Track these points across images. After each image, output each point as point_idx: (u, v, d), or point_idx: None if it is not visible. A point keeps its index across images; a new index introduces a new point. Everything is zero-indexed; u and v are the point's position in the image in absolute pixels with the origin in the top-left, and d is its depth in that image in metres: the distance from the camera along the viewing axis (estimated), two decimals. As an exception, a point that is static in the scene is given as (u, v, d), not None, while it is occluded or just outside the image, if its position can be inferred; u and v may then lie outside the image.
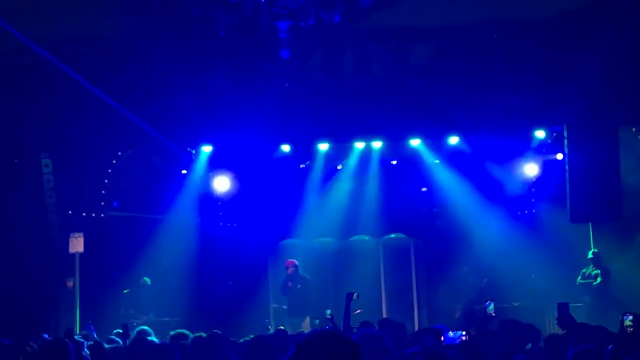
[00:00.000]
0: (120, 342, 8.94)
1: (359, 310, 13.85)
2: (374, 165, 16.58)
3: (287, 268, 15.62)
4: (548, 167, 15.66)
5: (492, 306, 8.36)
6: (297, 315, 15.16)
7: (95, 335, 10.64)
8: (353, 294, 9.51)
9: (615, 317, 10.59)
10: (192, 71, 11.76)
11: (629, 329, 7.51)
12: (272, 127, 14.65)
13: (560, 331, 7.83)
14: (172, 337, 9.38)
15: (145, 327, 10.04)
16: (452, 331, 7.11)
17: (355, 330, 8.40)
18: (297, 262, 15.70)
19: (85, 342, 8.70)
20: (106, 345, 8.87)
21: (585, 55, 11.59)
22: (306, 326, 14.66)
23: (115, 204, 15.60)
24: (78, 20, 10.41)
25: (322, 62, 11.19)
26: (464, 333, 6.87)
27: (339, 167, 17.05)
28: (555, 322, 7.74)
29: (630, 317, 7.74)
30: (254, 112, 14.28)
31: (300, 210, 17.05)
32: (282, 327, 13.25)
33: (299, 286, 15.44)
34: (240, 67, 11.61)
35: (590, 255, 15.40)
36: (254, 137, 14.89)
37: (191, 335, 9.23)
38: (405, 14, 10.34)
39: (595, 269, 15.20)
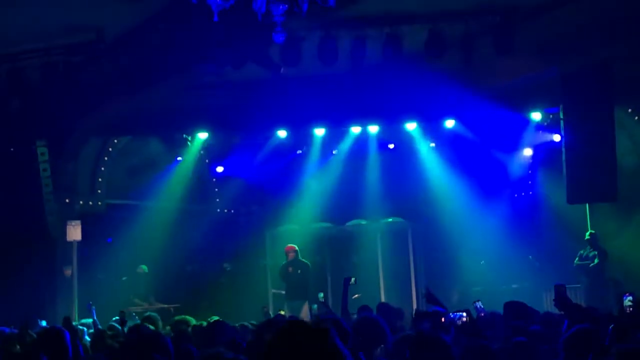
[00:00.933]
0: (120, 328, 8.95)
1: (357, 295, 13.89)
2: (371, 150, 16.57)
3: (287, 253, 15.60)
4: (545, 149, 15.67)
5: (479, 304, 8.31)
6: (295, 300, 15.17)
7: (95, 316, 10.67)
8: (350, 278, 9.53)
9: (612, 298, 10.65)
10: (186, 56, 11.70)
11: (628, 309, 7.55)
12: (268, 112, 14.61)
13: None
14: (175, 322, 9.41)
15: (153, 314, 10.08)
16: (452, 313, 7.12)
17: (354, 316, 8.42)
18: (297, 248, 15.69)
19: (85, 330, 8.72)
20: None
21: (578, 36, 11.56)
22: (305, 311, 14.68)
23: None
24: (71, 9, 10.37)
25: (317, 45, 11.13)
26: (464, 314, 6.89)
27: (334, 152, 17.03)
28: (553, 303, 7.78)
29: (630, 298, 7.78)
30: (250, 98, 14.26)
31: (297, 196, 17.06)
32: (282, 312, 13.30)
33: (299, 271, 15.42)
34: (235, 52, 11.55)
35: (587, 236, 15.42)
36: (250, 122, 14.85)
37: (193, 322, 9.25)
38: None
39: (592, 250, 15.21)
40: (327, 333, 2.95)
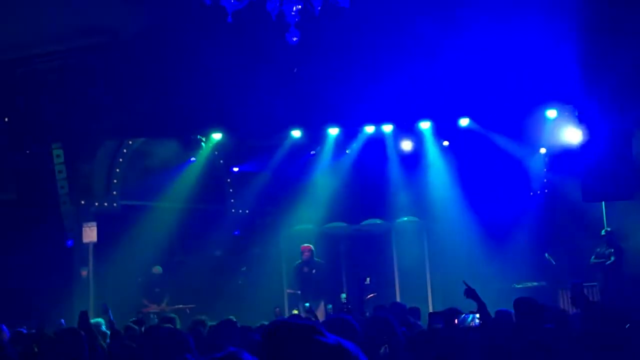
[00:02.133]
0: (137, 328, 8.99)
1: (372, 295, 13.87)
2: (386, 149, 16.56)
3: (302, 253, 15.59)
4: (561, 146, 15.59)
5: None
6: (310, 300, 15.17)
7: (111, 316, 10.72)
8: (365, 278, 9.53)
9: (629, 296, 10.59)
10: (200, 58, 11.73)
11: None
12: (282, 112, 14.62)
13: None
14: (193, 323, 9.44)
15: (171, 315, 10.11)
16: (466, 314, 7.11)
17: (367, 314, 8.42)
18: (312, 247, 15.68)
19: (108, 332, 8.75)
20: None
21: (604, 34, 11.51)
22: (321, 311, 14.67)
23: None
24: (87, 11, 10.42)
25: (331, 45, 11.15)
26: (478, 315, 6.87)
27: (347, 151, 17.02)
28: (569, 301, 7.75)
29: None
30: (264, 98, 14.27)
31: (311, 195, 17.06)
32: (295, 312, 13.31)
33: (313, 271, 15.40)
34: (248, 52, 11.58)
35: (603, 233, 15.35)
36: (264, 123, 14.86)
37: (209, 323, 9.27)
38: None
39: (609, 248, 15.15)
40: (313, 330, 2.92)
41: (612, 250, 14.94)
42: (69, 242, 14.71)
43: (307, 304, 11.30)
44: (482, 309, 7.12)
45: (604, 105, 12.52)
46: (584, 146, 12.75)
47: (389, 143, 16.52)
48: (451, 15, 11.20)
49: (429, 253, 16.62)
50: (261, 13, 9.17)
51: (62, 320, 10.94)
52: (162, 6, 10.40)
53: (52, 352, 5.76)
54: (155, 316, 13.83)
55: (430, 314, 7.24)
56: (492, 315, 7.04)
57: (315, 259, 15.59)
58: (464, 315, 7.66)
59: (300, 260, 15.55)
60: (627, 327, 6.28)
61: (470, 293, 7.63)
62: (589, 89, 12.64)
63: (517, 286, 14.91)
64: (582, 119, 12.82)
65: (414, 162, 16.76)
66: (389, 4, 11.23)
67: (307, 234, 17.02)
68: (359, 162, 16.85)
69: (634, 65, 12.21)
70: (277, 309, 13.97)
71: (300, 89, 13.78)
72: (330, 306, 12.40)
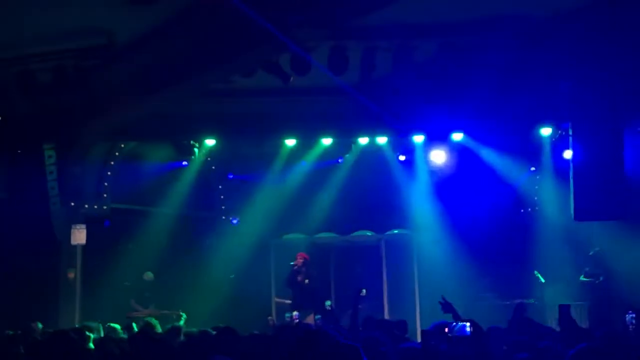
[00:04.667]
0: (125, 336, 8.94)
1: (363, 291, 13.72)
2: (379, 161, 16.56)
3: (296, 259, 15.55)
4: (553, 164, 15.63)
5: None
6: (300, 310, 15.07)
7: (102, 333, 10.65)
8: (360, 290, 9.48)
9: (617, 316, 10.61)
10: (196, 63, 11.70)
11: (631, 326, 7.52)
12: (273, 121, 14.65)
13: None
14: (169, 330, 9.39)
15: (152, 320, 10.05)
16: (455, 323, 7.08)
17: (360, 328, 8.36)
18: (308, 257, 15.63)
19: (91, 336, 8.70)
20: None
21: (592, 52, 11.54)
22: (310, 321, 14.59)
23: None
24: (83, 13, 10.38)
25: (327, 56, 11.14)
26: (468, 324, 6.84)
27: (340, 161, 17.03)
28: (556, 321, 7.75)
29: (633, 315, 7.75)
30: (259, 106, 14.27)
31: (302, 205, 17.05)
32: (288, 317, 13.29)
33: (306, 281, 15.34)
34: (245, 60, 11.55)
35: (591, 253, 15.40)
36: (258, 131, 14.88)
37: (183, 329, 9.23)
38: (410, 10, 10.31)
39: (598, 267, 15.18)
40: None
41: (602, 269, 14.97)
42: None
43: (329, 302, 11.34)
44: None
45: (597, 124, 12.58)
46: (576, 165, 12.79)
47: (382, 155, 16.52)
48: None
49: (418, 266, 16.61)
50: (259, 22, 9.19)
51: (39, 324, 10.88)
52: (159, 11, 10.36)
53: (40, 354, 5.71)
54: (140, 322, 13.76)
55: (422, 332, 7.20)
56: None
57: (311, 270, 15.54)
58: (452, 323, 7.62)
59: (294, 265, 15.48)
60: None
61: (447, 308, 7.63)
62: (582, 107, 12.70)
63: (506, 302, 14.90)
64: (575, 138, 12.87)
65: (406, 174, 16.77)
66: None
67: (297, 243, 17.00)
68: (352, 173, 16.85)
69: (626, 83, 12.29)
70: (271, 320, 13.91)
71: (296, 97, 13.83)
72: (319, 317, 12.36)
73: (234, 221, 17.51)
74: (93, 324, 10.58)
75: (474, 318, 8.01)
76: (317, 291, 15.30)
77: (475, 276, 16.22)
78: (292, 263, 15.41)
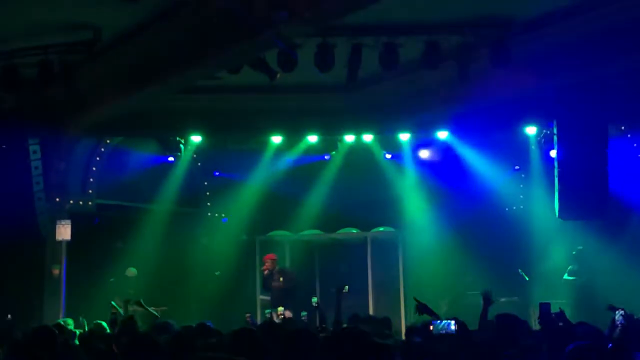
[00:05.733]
0: (108, 330, 8.92)
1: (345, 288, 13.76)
2: (364, 158, 16.58)
3: (264, 263, 15.56)
4: (537, 163, 15.69)
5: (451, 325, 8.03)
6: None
7: (86, 327, 10.63)
8: (343, 287, 9.49)
9: (600, 314, 10.66)
10: (182, 59, 11.67)
11: (619, 325, 7.54)
12: (259, 117, 14.66)
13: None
14: (155, 326, 9.34)
15: (135, 315, 10.03)
16: (440, 321, 7.11)
17: (344, 325, 8.38)
18: (275, 257, 15.61)
19: (75, 333, 8.68)
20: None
21: (574, 51, 11.59)
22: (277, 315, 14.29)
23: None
24: (69, 7, 10.34)
25: (314, 52, 11.14)
26: (452, 322, 6.87)
27: (326, 158, 17.03)
28: (538, 320, 7.80)
29: (621, 312, 7.77)
30: (245, 102, 14.27)
31: (288, 202, 17.04)
32: (267, 315, 13.27)
33: (281, 279, 15.32)
34: (231, 56, 11.53)
35: (574, 252, 15.48)
36: (244, 127, 14.89)
37: (176, 327, 9.19)
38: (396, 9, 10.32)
39: (581, 266, 15.27)
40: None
41: (584, 268, 15.05)
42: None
43: (315, 299, 11.31)
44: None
45: (582, 123, 12.64)
46: (560, 164, 12.85)
47: (369, 152, 16.54)
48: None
49: (403, 263, 16.65)
50: (245, 18, 9.18)
51: (9, 315, 10.83)
52: (145, 6, 10.32)
53: (23, 350, 5.69)
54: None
55: (407, 328, 7.22)
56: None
57: (281, 267, 15.51)
58: (436, 322, 7.66)
59: (264, 269, 15.48)
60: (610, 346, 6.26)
61: (422, 309, 7.66)
62: (568, 106, 12.76)
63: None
64: (560, 137, 12.93)
65: (391, 172, 16.80)
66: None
67: (282, 241, 17.01)
68: (337, 170, 16.86)
69: (612, 82, 12.35)
70: (248, 317, 13.84)
71: (282, 95, 13.83)
72: (304, 313, 12.31)
73: (224, 220, 17.52)
74: (78, 320, 10.58)
75: (459, 316, 8.05)
76: (294, 289, 15.22)
77: (460, 274, 16.29)
78: (262, 269, 15.41)
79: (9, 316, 10.88)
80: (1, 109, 12.83)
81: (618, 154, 13.59)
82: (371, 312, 15.79)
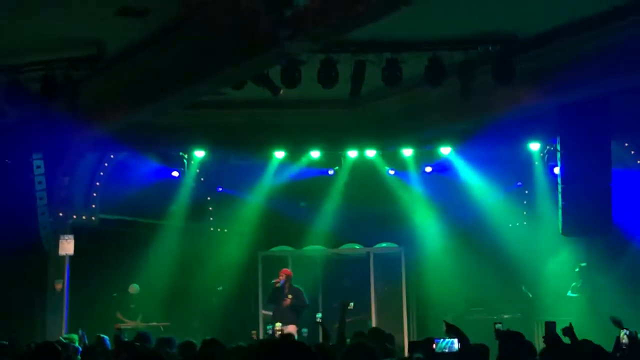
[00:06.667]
0: (109, 347, 8.90)
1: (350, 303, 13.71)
2: (367, 173, 16.58)
3: (279, 277, 15.43)
4: (540, 179, 15.68)
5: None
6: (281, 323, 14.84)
7: (86, 341, 10.61)
8: (348, 303, 9.46)
9: (604, 331, 10.63)
10: (186, 74, 11.71)
11: (623, 344, 7.51)
12: (263, 132, 14.69)
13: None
14: (158, 341, 9.33)
15: (146, 332, 10.00)
16: (443, 339, 7.09)
17: (348, 340, 8.36)
18: (291, 273, 15.48)
19: (79, 349, 8.67)
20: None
21: (577, 68, 11.60)
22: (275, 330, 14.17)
23: None
24: (73, 23, 10.38)
25: (317, 68, 11.18)
26: (456, 340, 6.86)
27: (330, 173, 17.01)
28: (543, 339, 7.77)
29: (626, 332, 7.74)
30: (249, 118, 14.29)
31: (290, 217, 17.04)
32: (269, 331, 13.22)
33: (290, 296, 15.20)
34: (235, 72, 11.56)
35: (577, 269, 15.45)
36: (247, 142, 14.92)
37: (176, 342, 9.18)
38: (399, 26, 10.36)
39: (584, 283, 15.23)
40: None
41: (588, 285, 15.01)
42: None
43: (319, 315, 11.26)
44: (464, 342, 7.14)
45: (586, 140, 12.64)
46: (564, 180, 12.85)
47: (372, 167, 16.54)
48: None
49: (406, 279, 16.62)
50: (249, 34, 9.20)
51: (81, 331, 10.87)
52: (149, 21, 10.36)
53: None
54: (126, 333, 13.70)
55: (410, 343, 7.21)
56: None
57: (294, 285, 15.44)
58: (439, 340, 7.65)
59: (277, 282, 15.34)
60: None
61: (452, 330, 7.64)
62: (571, 123, 12.76)
63: (493, 317, 14.87)
64: (563, 153, 12.93)
65: (395, 188, 16.79)
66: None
67: (285, 256, 16.99)
68: (340, 186, 16.86)
69: (617, 100, 12.36)
70: (254, 334, 13.84)
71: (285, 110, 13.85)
72: (305, 330, 12.27)
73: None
74: (78, 334, 10.56)
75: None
76: (300, 308, 15.07)
77: (464, 290, 16.24)
78: (273, 281, 15.28)
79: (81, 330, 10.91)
80: (5, 123, 12.85)
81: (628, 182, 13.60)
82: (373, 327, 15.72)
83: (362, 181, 16.67)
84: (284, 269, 15.58)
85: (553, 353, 6.87)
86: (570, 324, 7.77)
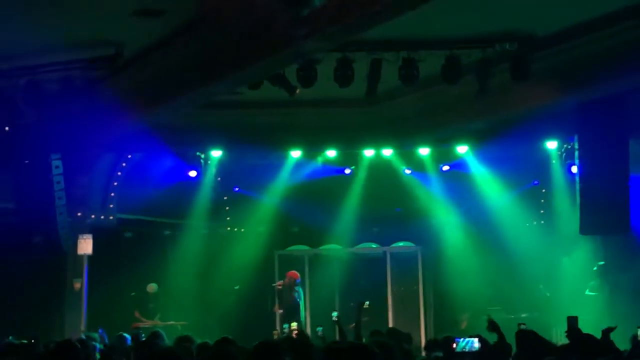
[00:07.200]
0: (129, 343, 8.94)
1: (366, 318, 13.77)
2: (384, 173, 16.56)
3: (289, 278, 15.56)
4: (558, 178, 15.61)
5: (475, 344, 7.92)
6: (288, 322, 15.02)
7: (107, 340, 10.67)
8: (363, 302, 9.46)
9: (621, 330, 10.57)
10: (203, 74, 11.75)
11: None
12: (279, 132, 14.71)
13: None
14: (177, 339, 9.35)
15: (158, 330, 10.04)
16: (463, 338, 7.08)
17: (364, 340, 8.36)
18: (299, 277, 15.68)
19: (97, 346, 8.72)
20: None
21: (595, 66, 11.55)
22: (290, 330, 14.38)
23: None
24: (91, 23, 10.44)
25: (334, 67, 11.18)
26: (476, 339, 6.84)
27: (346, 172, 17.01)
28: (565, 334, 7.74)
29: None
30: (265, 117, 14.31)
31: (307, 216, 17.04)
32: (285, 330, 13.28)
33: (292, 299, 15.39)
34: (251, 72, 11.59)
35: (596, 268, 15.37)
36: (263, 142, 14.94)
37: (197, 341, 9.20)
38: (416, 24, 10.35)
39: (603, 282, 15.15)
40: None
41: (606, 284, 14.93)
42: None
43: (335, 313, 11.38)
44: (502, 341, 7.17)
45: (604, 138, 12.58)
46: (582, 179, 12.79)
47: (389, 167, 16.52)
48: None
49: (423, 278, 16.60)
50: (265, 33, 9.23)
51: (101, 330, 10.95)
52: (166, 22, 10.40)
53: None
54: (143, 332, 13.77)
55: (427, 342, 7.21)
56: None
57: (297, 288, 15.58)
58: (459, 339, 7.64)
59: (278, 285, 15.50)
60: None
61: (493, 326, 7.65)
62: (589, 121, 12.71)
63: (511, 316, 14.84)
64: (581, 152, 12.88)
65: (412, 187, 16.77)
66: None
67: (301, 255, 17.00)
68: (357, 185, 16.85)
69: (635, 98, 12.29)
70: (276, 332, 13.89)
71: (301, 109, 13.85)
72: (320, 328, 12.29)
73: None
74: (98, 333, 10.62)
75: (479, 331, 8.01)
76: (300, 309, 15.26)
77: (481, 289, 16.19)
78: (273, 284, 15.42)
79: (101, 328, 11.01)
80: (24, 124, 12.94)
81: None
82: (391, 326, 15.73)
83: (378, 180, 16.65)
84: (292, 272, 15.70)
85: (577, 347, 6.83)
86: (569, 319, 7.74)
